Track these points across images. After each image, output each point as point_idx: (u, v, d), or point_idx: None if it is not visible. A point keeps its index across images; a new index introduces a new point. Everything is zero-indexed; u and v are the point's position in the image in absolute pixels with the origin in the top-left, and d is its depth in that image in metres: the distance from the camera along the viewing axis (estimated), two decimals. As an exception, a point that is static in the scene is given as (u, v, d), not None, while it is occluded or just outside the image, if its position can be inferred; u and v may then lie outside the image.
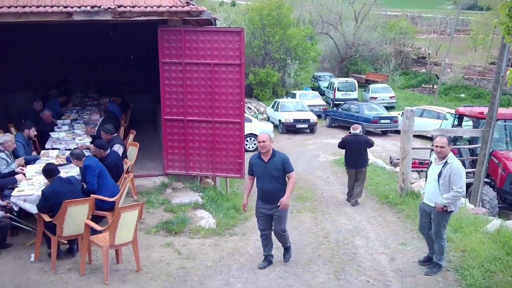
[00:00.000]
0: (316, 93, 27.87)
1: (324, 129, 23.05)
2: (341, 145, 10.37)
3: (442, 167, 6.12)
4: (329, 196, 10.79)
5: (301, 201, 10.27)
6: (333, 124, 23.43)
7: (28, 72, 13.44)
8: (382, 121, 21.49)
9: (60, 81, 13.01)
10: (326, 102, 27.67)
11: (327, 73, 34.81)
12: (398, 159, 11.04)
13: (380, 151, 17.60)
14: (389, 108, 25.83)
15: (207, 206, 8.70)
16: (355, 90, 28.49)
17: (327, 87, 30.07)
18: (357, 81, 30.36)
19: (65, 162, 7.66)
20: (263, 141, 6.20)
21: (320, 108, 25.16)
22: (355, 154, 10.04)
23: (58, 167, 6.62)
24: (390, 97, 28.23)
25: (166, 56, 8.93)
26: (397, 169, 11.69)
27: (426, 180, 6.46)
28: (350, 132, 10.36)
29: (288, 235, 6.75)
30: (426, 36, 44.75)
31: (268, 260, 6.67)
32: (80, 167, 7.05)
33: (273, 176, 6.23)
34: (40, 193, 6.21)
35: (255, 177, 6.46)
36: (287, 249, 6.82)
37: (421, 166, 12.82)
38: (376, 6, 38.35)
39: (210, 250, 7.07)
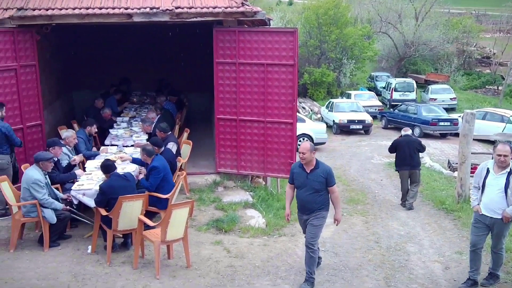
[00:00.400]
0: (372, 93, 27.27)
1: (379, 130, 22.55)
2: (392, 148, 10.27)
3: (508, 177, 5.79)
4: (382, 200, 10.55)
5: (352, 204, 10.12)
6: (389, 126, 22.87)
7: (91, 71, 14.05)
8: (441, 123, 20.73)
9: (121, 79, 13.48)
10: (383, 103, 27.00)
11: (384, 73, 33.97)
12: (457, 163, 10.61)
13: (438, 154, 17.01)
14: (449, 110, 24.87)
15: (257, 206, 8.75)
16: (414, 91, 27.61)
17: (384, 87, 29.36)
18: (416, 82, 29.42)
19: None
20: (302, 153, 5.89)
21: (376, 109, 24.62)
22: (407, 155, 9.88)
23: (115, 164, 6.87)
24: (451, 99, 27.15)
25: (220, 56, 9.05)
26: (456, 174, 11.25)
27: (481, 191, 6.06)
28: (401, 135, 10.32)
29: (316, 253, 6.09)
30: (491, 35, 42.59)
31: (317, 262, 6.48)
32: (147, 163, 7.26)
33: (314, 189, 5.91)
34: (98, 188, 6.48)
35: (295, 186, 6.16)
36: (309, 274, 6.04)
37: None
38: (438, 4, 36.98)
39: (259, 249, 7.11)
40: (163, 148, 7.77)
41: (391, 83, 28.28)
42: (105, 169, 6.48)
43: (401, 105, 23.52)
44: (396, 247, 7.55)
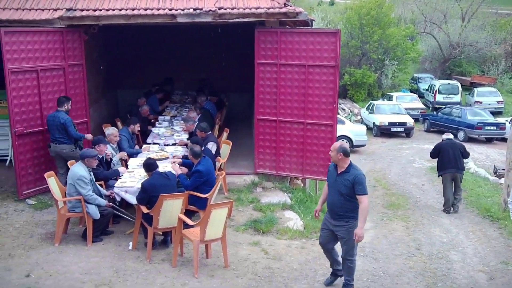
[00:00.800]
0: (415, 95, 26.64)
1: (421, 133, 22.03)
2: (434, 152, 10.05)
3: None
4: (424, 205, 10.30)
5: (392, 209, 9.92)
6: (431, 129, 22.30)
7: (135, 70, 14.39)
8: (487, 127, 20.07)
9: (165, 79, 13.73)
10: (425, 105, 26.35)
11: (427, 74, 33.16)
12: (503, 169, 10.23)
13: (484, 159, 16.48)
14: (496, 113, 24.03)
15: (295, 208, 8.71)
16: (458, 93, 26.79)
17: (427, 90, 28.66)
18: (461, 84, 28.53)
19: (167, 157, 8.07)
20: (330, 151, 5.73)
21: (418, 112, 24.04)
22: (452, 157, 9.67)
23: (157, 162, 6.98)
24: (498, 102, 26.22)
25: (261, 57, 9.06)
26: (502, 180, 10.85)
27: None
28: (443, 139, 10.17)
29: (354, 267, 5.84)
30: (542, 36, 40.86)
31: (334, 274, 6.10)
32: (193, 163, 7.34)
33: (339, 192, 5.61)
34: (140, 185, 6.61)
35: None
36: (347, 281, 5.85)
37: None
38: (486, 4, 35.77)
39: (296, 252, 7.07)
40: (202, 148, 7.84)
41: (434, 85, 27.57)
42: (147, 167, 6.59)
43: (445, 107, 22.91)
44: (438, 254, 7.35)
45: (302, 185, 9.93)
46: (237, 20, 8.56)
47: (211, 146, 8.36)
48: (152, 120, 10.85)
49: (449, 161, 9.67)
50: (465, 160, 10.35)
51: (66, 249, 6.60)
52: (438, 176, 10.10)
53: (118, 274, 5.99)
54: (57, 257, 6.34)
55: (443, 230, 8.56)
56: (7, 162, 9.77)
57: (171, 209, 6.33)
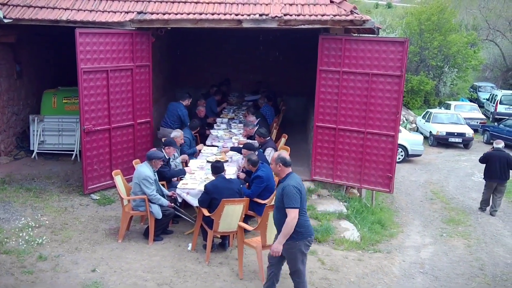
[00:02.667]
0: (475, 105, 25.63)
1: (480, 145, 21.15)
2: (483, 159, 10.81)
3: None
4: (486, 223, 9.91)
5: (452, 224, 9.61)
6: (491, 141, 21.35)
7: (194, 70, 14.70)
8: (553, 143, 19.06)
9: (223, 80, 13.92)
10: (485, 116, 25.30)
11: (488, 83, 31.85)
12: None
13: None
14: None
15: (351, 218, 8.60)
16: (522, 105, 25.57)
17: (488, 99, 27.50)
18: (524, 95, 27.23)
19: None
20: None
21: (477, 122, 23.10)
22: (498, 168, 10.44)
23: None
24: None
25: (324, 63, 9.00)
26: None
27: None
28: (493, 147, 10.88)
29: (303, 285, 5.36)
30: None
31: None
32: (252, 171, 7.42)
33: (276, 205, 5.18)
34: (202, 187, 6.73)
35: None
36: None
37: None
38: (555, 11, 33.97)
39: (353, 264, 6.98)
40: (256, 153, 7.89)
41: (496, 95, 26.41)
42: (214, 169, 6.70)
43: (507, 119, 21.92)
44: (503, 276, 7.06)
45: (358, 194, 9.78)
46: (302, 26, 8.53)
47: (270, 152, 8.38)
48: (210, 122, 11.01)
49: (495, 171, 10.46)
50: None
51: (129, 246, 6.82)
52: (484, 180, 10.85)
53: (179, 274, 6.13)
54: (120, 254, 6.56)
55: (507, 251, 8.21)
56: (73, 157, 10.23)
57: (232, 214, 6.41)
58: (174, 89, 14.65)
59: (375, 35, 9.16)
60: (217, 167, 6.71)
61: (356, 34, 9.87)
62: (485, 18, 33.61)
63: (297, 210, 4.97)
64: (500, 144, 10.71)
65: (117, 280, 5.88)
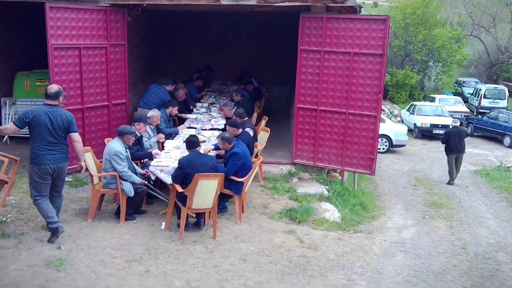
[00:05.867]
0: (459, 98, 25.69)
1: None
2: (444, 137, 12.57)
3: None
4: (469, 206, 9.79)
5: (435, 208, 9.48)
6: (475, 134, 21.40)
7: (175, 58, 14.40)
8: (536, 134, 19.14)
9: (205, 67, 13.65)
10: (470, 110, 25.37)
11: (472, 78, 32.00)
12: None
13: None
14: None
15: (332, 200, 8.40)
16: (505, 99, 25.62)
17: (472, 94, 27.59)
18: (508, 90, 27.33)
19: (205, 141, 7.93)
20: None
21: (461, 115, 23.08)
22: (457, 142, 12.19)
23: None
24: (548, 109, 24.99)
25: (305, 43, 8.79)
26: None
27: None
28: (451, 126, 13.06)
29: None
30: None
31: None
32: (226, 150, 7.15)
33: None
34: (176, 165, 6.46)
35: None
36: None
37: None
38: (538, 8, 34.23)
39: (333, 243, 6.76)
40: (240, 130, 7.65)
41: (480, 89, 26.50)
42: (189, 144, 6.43)
43: (490, 112, 21.96)
44: (485, 255, 6.91)
45: (340, 178, 9.59)
46: (282, 4, 8.32)
47: (248, 131, 8.14)
48: (191, 107, 10.73)
49: (455, 145, 12.19)
50: None
51: (99, 225, 6.52)
52: (446, 156, 12.45)
53: (150, 252, 5.85)
54: (89, 232, 6.27)
55: (490, 232, 8.09)
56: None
57: (206, 189, 6.15)
58: (155, 77, 14.24)
59: (356, 14, 8.96)
60: (192, 142, 6.45)
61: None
62: (470, 14, 33.77)
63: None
64: (457, 123, 12.98)
65: (83, 257, 5.59)
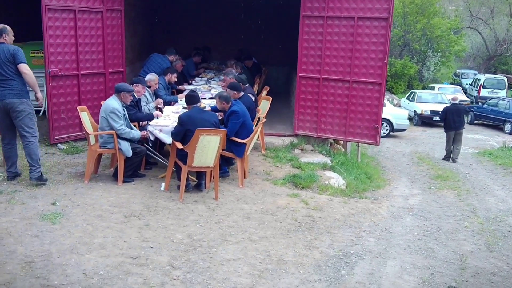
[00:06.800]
0: (458, 87, 25.53)
1: (465, 125, 20.95)
2: (443, 114, 12.59)
3: None
4: (474, 179, 9.58)
5: (440, 180, 9.26)
6: (475, 121, 21.23)
7: (173, 38, 14.10)
8: (537, 120, 19.00)
9: (203, 47, 13.37)
10: (470, 102, 25.17)
11: (471, 70, 31.87)
12: None
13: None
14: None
15: (336, 168, 8.16)
16: (504, 89, 25.50)
17: (471, 84, 27.45)
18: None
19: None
20: None
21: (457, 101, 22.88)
22: (456, 119, 12.21)
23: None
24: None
25: (307, 9, 8.54)
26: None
27: None
28: (450, 102, 13.30)
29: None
30: None
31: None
32: (224, 111, 6.89)
33: None
34: (176, 122, 6.20)
35: None
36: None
37: None
38: (536, 0, 34.14)
39: (339, 206, 6.51)
40: (242, 93, 7.39)
41: (479, 79, 26.35)
42: (189, 99, 6.17)
43: (490, 99, 21.80)
44: (496, 218, 6.68)
45: (343, 150, 9.35)
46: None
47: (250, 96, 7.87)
48: (190, 82, 10.45)
49: (453, 121, 12.19)
50: None
51: (96, 186, 6.24)
52: (445, 132, 12.56)
53: (149, 209, 5.59)
54: (85, 192, 5.99)
55: (498, 200, 7.87)
56: (41, 113, 9.57)
57: (207, 146, 5.88)
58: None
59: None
60: (192, 97, 6.19)
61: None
62: (468, 6, 33.66)
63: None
64: (456, 100, 13.03)
65: (79, 212, 5.31)
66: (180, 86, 9.45)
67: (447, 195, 7.92)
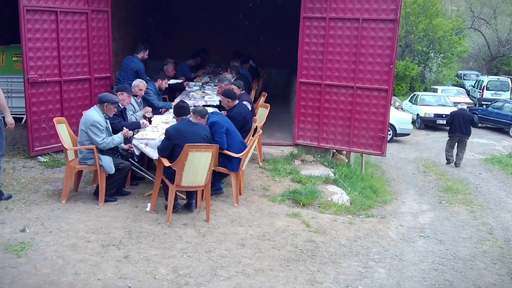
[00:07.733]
0: (462, 89, 24.90)
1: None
2: (450, 118, 12.39)
3: None
4: (486, 192, 8.97)
5: (451, 193, 8.66)
6: (479, 125, 20.60)
7: (168, 41, 13.54)
8: (543, 124, 18.40)
9: (201, 48, 12.79)
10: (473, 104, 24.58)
11: (473, 71, 31.28)
12: None
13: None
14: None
15: (340, 182, 7.55)
16: (508, 90, 24.86)
17: (474, 86, 26.82)
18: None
19: None
20: None
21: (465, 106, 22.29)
22: (462, 124, 11.85)
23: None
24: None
25: (308, 10, 7.94)
26: None
27: None
28: (457, 108, 12.97)
29: None
30: None
31: None
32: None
33: None
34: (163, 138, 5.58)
35: None
36: None
37: None
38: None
39: (343, 227, 5.90)
40: (237, 101, 6.77)
41: (482, 81, 25.72)
42: (177, 110, 5.57)
43: (495, 101, 21.20)
44: (517, 241, 6.06)
45: (347, 160, 8.74)
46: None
47: (246, 104, 7.26)
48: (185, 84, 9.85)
49: (459, 127, 11.89)
50: None
51: (74, 207, 5.63)
52: (449, 137, 12.21)
53: (131, 235, 4.98)
54: (61, 214, 5.38)
55: (515, 217, 7.25)
56: (23, 121, 8.96)
57: (197, 163, 5.27)
58: (146, 60, 13.40)
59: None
60: (181, 108, 5.58)
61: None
62: (470, 6, 33.07)
63: None
64: (463, 106, 12.88)
65: (51, 241, 4.70)
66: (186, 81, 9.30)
67: (460, 212, 7.31)
